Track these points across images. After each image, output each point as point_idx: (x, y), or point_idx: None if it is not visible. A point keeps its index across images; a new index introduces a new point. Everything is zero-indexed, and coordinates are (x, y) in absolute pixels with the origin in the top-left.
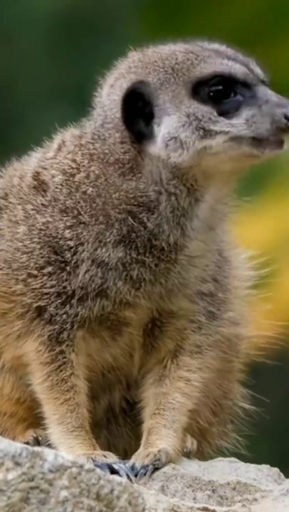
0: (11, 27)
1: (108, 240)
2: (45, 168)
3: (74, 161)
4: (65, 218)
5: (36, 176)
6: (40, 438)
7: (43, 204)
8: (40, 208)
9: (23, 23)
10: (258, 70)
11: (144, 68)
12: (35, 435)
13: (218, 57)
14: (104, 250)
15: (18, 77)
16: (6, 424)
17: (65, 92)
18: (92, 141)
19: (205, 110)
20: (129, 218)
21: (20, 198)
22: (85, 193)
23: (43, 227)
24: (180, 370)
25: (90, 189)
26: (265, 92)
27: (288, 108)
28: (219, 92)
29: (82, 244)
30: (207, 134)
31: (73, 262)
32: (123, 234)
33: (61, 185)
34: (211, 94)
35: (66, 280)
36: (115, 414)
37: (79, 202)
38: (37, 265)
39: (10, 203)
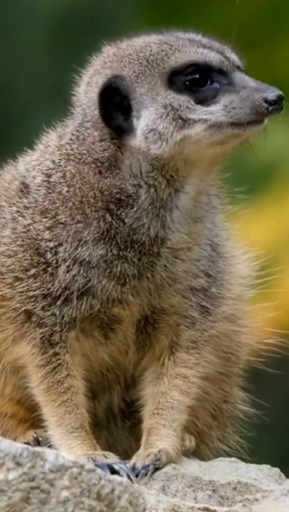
0: (11, 26)
1: (87, 238)
2: (28, 171)
3: (53, 161)
4: (44, 220)
5: (22, 179)
6: (40, 438)
7: (25, 206)
8: (22, 210)
9: (23, 22)
10: (233, 57)
11: (118, 62)
12: (35, 435)
13: (192, 46)
14: (84, 249)
15: (18, 76)
16: (7, 425)
17: (65, 91)
18: (70, 141)
19: (182, 100)
20: (107, 216)
21: (8, 201)
22: (60, 192)
23: (24, 230)
24: (177, 367)
25: (66, 189)
26: (242, 78)
27: (268, 92)
28: (195, 81)
29: (61, 244)
30: (185, 123)
31: (54, 262)
32: (102, 231)
33: (40, 186)
34: (187, 83)
35: (50, 282)
36: (114, 415)
37: (55, 202)
38: (21, 268)
39: (0, 206)
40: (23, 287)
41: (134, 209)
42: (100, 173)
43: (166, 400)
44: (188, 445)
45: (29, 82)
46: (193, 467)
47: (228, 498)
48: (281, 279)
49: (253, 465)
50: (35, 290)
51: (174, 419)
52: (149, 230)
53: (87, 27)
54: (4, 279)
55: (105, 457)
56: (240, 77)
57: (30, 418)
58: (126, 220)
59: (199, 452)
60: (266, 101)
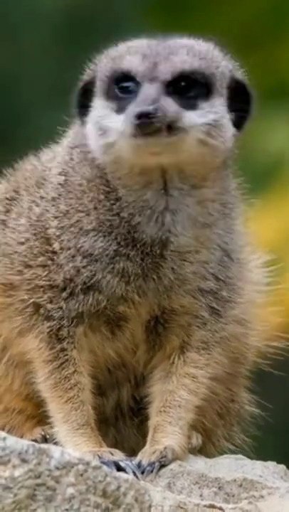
0: (14, 26)
1: (88, 228)
2: (48, 162)
3: (63, 154)
4: (52, 208)
5: (42, 170)
6: (47, 436)
7: (41, 196)
8: (38, 200)
9: (26, 22)
10: (160, 67)
11: (93, 70)
12: (43, 433)
13: (125, 55)
14: (86, 239)
15: (21, 76)
16: (14, 421)
17: (68, 91)
18: (73, 135)
19: (106, 107)
20: (100, 206)
21: (27, 190)
22: (65, 182)
23: (37, 219)
24: (187, 367)
25: (70, 178)
26: (144, 89)
27: (142, 107)
28: (121, 89)
29: (65, 233)
30: (104, 131)
31: (59, 251)
32: (99, 222)
33: (52, 177)
34: (115, 91)
35: (55, 272)
36: (123, 412)
37: (61, 192)
38: (32, 255)
39: (20, 195)
40: (31, 275)
41: (123, 204)
42: (90, 165)
43: (174, 399)
44: (195, 443)
45: (32, 82)
46: (199, 464)
47: (233, 495)
48: (284, 278)
49: (258, 462)
50: (42, 279)
51: (181, 417)
52: (147, 230)
53: (90, 26)
54: (14, 266)
55: (111, 454)
56: (145, 88)
57: (37, 414)
58: (121, 215)
59: (205, 451)
60: (135, 115)
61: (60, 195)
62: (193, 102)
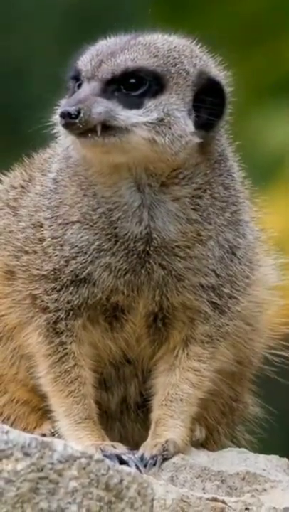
0: (23, 18)
1: (73, 219)
2: (56, 155)
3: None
4: (45, 200)
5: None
6: (56, 434)
7: (42, 185)
8: (40, 190)
9: (35, 14)
10: (103, 66)
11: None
12: (53, 430)
13: (83, 54)
14: (71, 231)
15: (29, 67)
16: (18, 412)
17: None
18: None
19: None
20: (82, 202)
21: (39, 179)
22: (57, 176)
23: (36, 208)
24: (190, 360)
25: (61, 175)
26: (81, 89)
27: (65, 107)
28: (77, 88)
29: (56, 222)
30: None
31: (49, 239)
32: (83, 216)
33: (53, 171)
34: (74, 89)
35: (46, 261)
36: (129, 407)
37: (53, 186)
38: (29, 242)
39: (31, 184)
40: (26, 261)
41: (101, 200)
42: (70, 161)
43: (176, 392)
44: (199, 435)
45: (40, 73)
46: (201, 457)
47: (236, 489)
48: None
49: (261, 455)
50: (35, 268)
51: (183, 411)
52: (127, 225)
53: (99, 19)
54: (15, 252)
55: (114, 448)
56: (82, 87)
57: (42, 406)
58: (101, 210)
59: (206, 447)
60: (60, 114)
61: (55, 188)
62: (139, 100)
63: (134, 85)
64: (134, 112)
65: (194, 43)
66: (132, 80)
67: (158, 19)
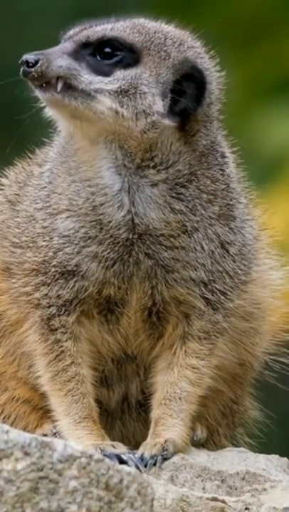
0: (22, 14)
1: (62, 208)
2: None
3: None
4: (40, 191)
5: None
6: (58, 435)
7: (37, 176)
8: (35, 182)
9: (34, 10)
10: (83, 32)
11: None
12: (54, 431)
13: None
14: (60, 220)
15: None
16: (19, 410)
17: None
18: None
19: None
20: (70, 188)
21: (35, 175)
22: (53, 168)
23: (28, 201)
24: (188, 358)
25: (54, 157)
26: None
27: (25, 55)
28: None
29: (48, 213)
30: None
31: (39, 231)
32: (70, 203)
33: (47, 161)
34: None
35: (37, 254)
36: (130, 406)
37: (47, 175)
38: (24, 235)
39: (30, 180)
40: (20, 255)
41: (85, 184)
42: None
43: (174, 391)
44: (200, 435)
45: None
46: (201, 457)
47: (236, 488)
48: None
49: (261, 455)
50: (28, 262)
51: (182, 409)
52: (109, 211)
53: (98, 15)
54: (10, 246)
55: (113, 447)
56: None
57: (43, 406)
58: (84, 195)
59: (206, 448)
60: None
61: (48, 177)
62: (109, 69)
63: (109, 54)
64: (100, 78)
65: (193, 36)
66: (108, 49)
67: (159, 14)
